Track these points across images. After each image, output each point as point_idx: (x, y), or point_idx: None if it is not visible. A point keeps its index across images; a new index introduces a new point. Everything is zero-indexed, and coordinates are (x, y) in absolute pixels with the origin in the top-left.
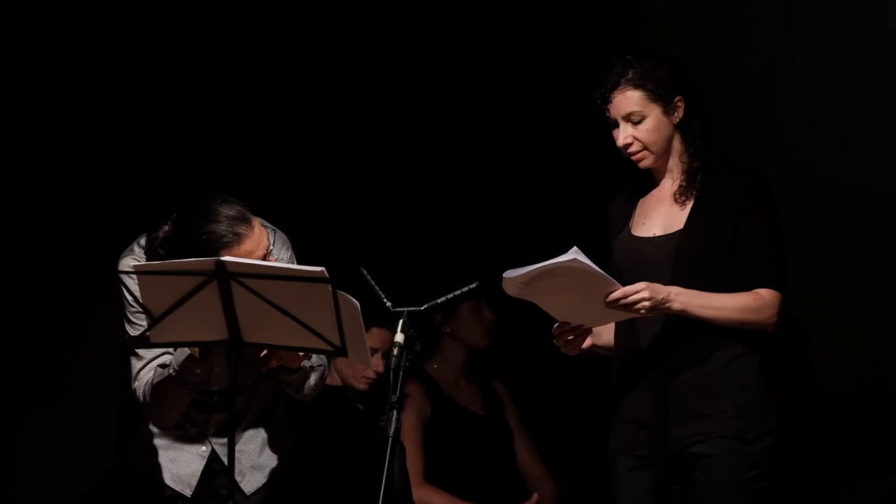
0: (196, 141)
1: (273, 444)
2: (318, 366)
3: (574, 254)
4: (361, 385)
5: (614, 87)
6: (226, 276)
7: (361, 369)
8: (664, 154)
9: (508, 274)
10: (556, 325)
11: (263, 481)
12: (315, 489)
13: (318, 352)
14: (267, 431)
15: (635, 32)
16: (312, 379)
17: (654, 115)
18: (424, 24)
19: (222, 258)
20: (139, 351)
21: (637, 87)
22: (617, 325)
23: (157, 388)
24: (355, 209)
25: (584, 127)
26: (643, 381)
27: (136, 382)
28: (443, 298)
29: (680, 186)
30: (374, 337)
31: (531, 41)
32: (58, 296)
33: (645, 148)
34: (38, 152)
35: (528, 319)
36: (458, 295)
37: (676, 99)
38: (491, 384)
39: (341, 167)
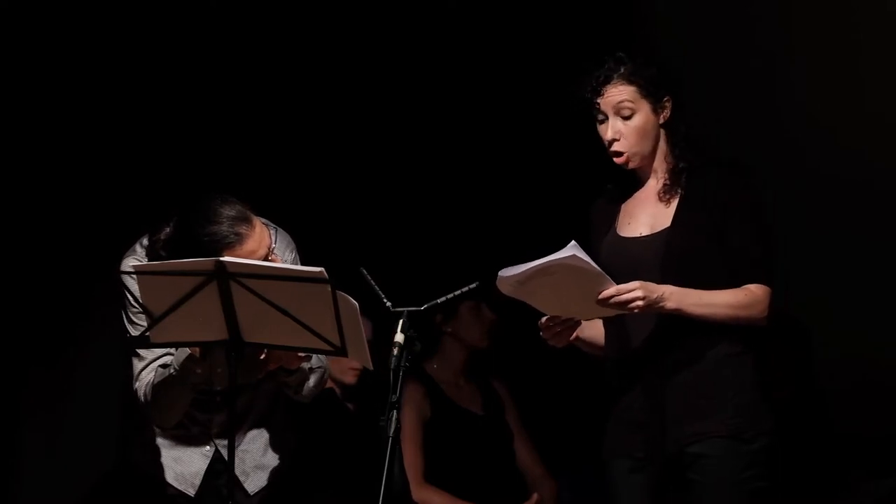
0: (196, 141)
1: (275, 444)
2: (318, 367)
3: (572, 249)
4: (350, 378)
5: (607, 80)
6: (225, 277)
7: (347, 361)
8: (650, 154)
9: (504, 273)
10: (544, 318)
11: (266, 481)
12: (314, 489)
13: (317, 352)
14: (269, 432)
15: (635, 32)
16: (311, 380)
17: (643, 111)
18: (424, 24)
19: (222, 258)
20: (140, 351)
21: (630, 82)
22: (607, 326)
23: (157, 388)
24: (355, 209)
25: (584, 127)
26: (638, 381)
27: (138, 383)
28: (443, 298)
29: (664, 185)
30: None
31: (531, 41)
32: (58, 296)
33: (632, 146)
34: (38, 152)
35: (528, 319)
36: (458, 295)
37: (665, 98)
38: (491, 384)
39: (341, 167)
